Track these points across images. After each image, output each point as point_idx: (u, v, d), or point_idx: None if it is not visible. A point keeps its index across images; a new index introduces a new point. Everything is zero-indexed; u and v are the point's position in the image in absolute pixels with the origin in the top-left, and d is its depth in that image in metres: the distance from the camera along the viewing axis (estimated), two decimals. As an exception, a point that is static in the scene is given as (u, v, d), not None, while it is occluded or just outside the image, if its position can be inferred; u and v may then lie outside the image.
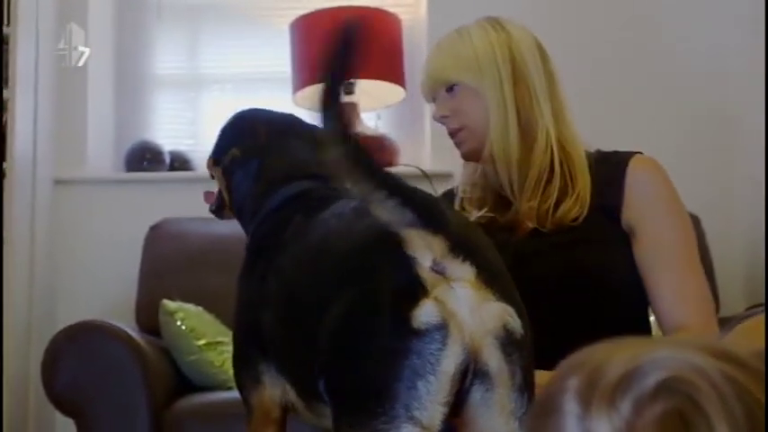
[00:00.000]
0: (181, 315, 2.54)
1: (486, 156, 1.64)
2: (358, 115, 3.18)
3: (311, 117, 1.73)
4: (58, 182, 3.15)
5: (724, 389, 0.61)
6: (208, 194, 1.76)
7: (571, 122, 1.67)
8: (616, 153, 1.67)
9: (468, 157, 1.69)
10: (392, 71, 3.13)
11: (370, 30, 3.10)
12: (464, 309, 1.08)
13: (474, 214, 1.68)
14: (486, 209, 1.68)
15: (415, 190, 1.15)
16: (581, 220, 1.58)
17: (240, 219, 1.65)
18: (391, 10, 3.21)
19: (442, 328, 1.07)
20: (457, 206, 1.73)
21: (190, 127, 3.48)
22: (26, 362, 2.84)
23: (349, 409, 1.12)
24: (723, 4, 3.16)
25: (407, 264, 1.10)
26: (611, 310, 1.56)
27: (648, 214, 1.57)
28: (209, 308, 2.62)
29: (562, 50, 1.74)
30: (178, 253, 2.86)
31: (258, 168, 1.60)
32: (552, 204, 1.59)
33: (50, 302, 3.06)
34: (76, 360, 2.21)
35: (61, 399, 2.21)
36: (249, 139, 1.63)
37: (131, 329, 2.40)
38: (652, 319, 1.65)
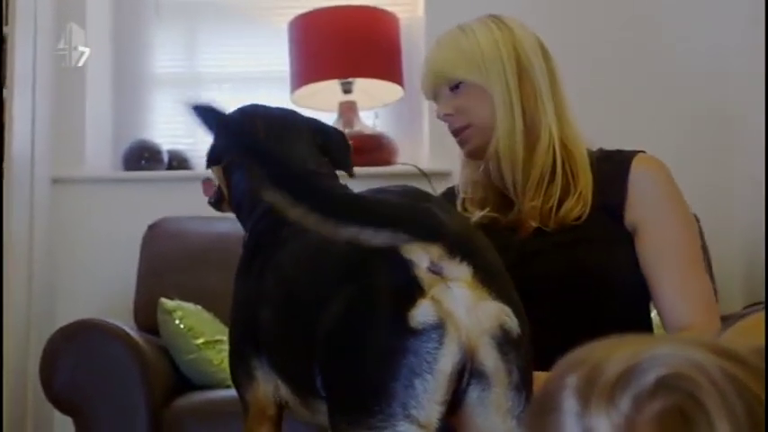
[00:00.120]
0: (179, 314, 2.54)
1: (492, 154, 1.63)
2: (356, 114, 3.19)
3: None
4: (56, 181, 3.15)
5: (724, 386, 0.61)
6: (206, 185, 1.76)
7: (573, 121, 1.66)
8: (619, 152, 1.66)
9: (473, 155, 1.68)
10: (390, 70, 3.13)
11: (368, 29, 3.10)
12: (461, 308, 1.09)
13: (476, 214, 1.67)
14: (488, 209, 1.67)
15: (404, 208, 1.17)
16: (584, 219, 1.58)
17: (238, 215, 1.65)
18: (389, 9, 3.21)
19: (439, 327, 1.07)
20: (459, 206, 1.72)
21: (188, 126, 3.47)
22: (24, 361, 2.83)
23: (346, 407, 1.12)
24: (723, 4, 3.16)
25: (404, 264, 1.10)
26: (613, 309, 1.56)
27: (651, 213, 1.57)
28: (208, 306, 2.61)
29: (561, 50, 1.74)
30: (176, 252, 2.86)
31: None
32: (555, 204, 1.59)
33: (49, 301, 3.06)
34: (75, 359, 2.21)
35: (60, 397, 2.20)
36: (249, 137, 1.63)
37: (130, 328, 2.39)
38: (653, 314, 1.65)
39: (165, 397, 2.29)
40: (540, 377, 1.16)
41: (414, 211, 1.17)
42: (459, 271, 1.10)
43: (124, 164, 3.27)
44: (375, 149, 3.11)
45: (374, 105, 3.29)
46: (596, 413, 0.62)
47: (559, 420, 0.64)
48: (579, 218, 1.58)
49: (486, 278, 1.12)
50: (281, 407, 1.43)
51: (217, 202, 1.73)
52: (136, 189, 3.21)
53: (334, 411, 1.15)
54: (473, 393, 1.11)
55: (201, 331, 2.52)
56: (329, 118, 3.15)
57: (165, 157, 3.27)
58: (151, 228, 2.94)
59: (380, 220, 1.11)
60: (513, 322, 1.12)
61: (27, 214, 2.94)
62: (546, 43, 1.69)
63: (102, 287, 3.08)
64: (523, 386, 1.13)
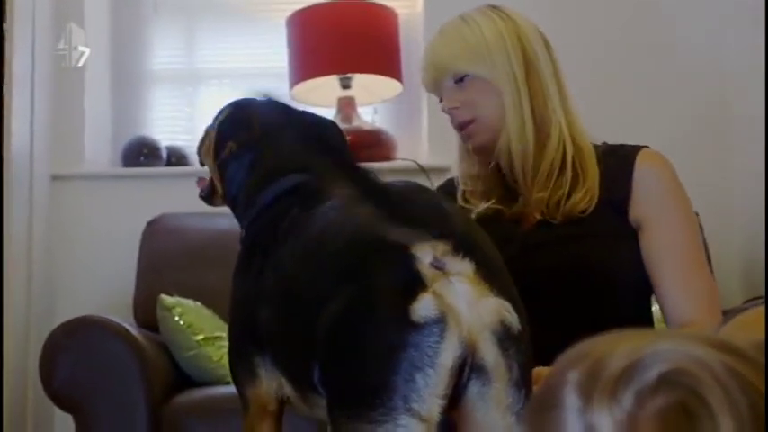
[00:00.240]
0: (179, 310, 2.54)
1: (502, 149, 1.61)
2: (355, 110, 3.18)
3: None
4: (56, 178, 3.14)
5: (726, 381, 0.61)
6: (201, 180, 1.75)
7: (577, 114, 1.65)
8: (623, 146, 1.65)
9: (479, 150, 1.66)
10: (389, 66, 3.13)
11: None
12: (462, 303, 1.09)
13: (480, 206, 1.65)
14: (492, 201, 1.65)
15: (417, 204, 1.19)
16: (589, 212, 1.57)
17: (234, 210, 1.64)
18: (388, 4, 3.21)
19: (441, 321, 1.07)
20: (459, 198, 1.71)
21: (187, 122, 3.47)
22: (24, 357, 2.83)
23: (347, 401, 1.12)
24: (723, 3, 3.16)
25: (407, 258, 1.10)
26: (614, 304, 1.55)
27: (656, 210, 1.57)
28: (208, 303, 2.61)
29: (560, 47, 1.72)
30: (176, 248, 2.86)
31: (252, 161, 1.59)
32: (565, 195, 1.58)
33: (48, 298, 3.06)
34: (75, 356, 2.21)
35: (59, 394, 2.21)
36: (245, 132, 1.62)
37: (129, 325, 2.39)
38: (655, 307, 1.65)
39: (165, 393, 2.30)
40: (541, 372, 1.16)
41: (425, 210, 1.18)
42: (462, 266, 1.10)
43: (123, 160, 3.26)
44: (374, 145, 3.11)
45: (373, 101, 3.29)
46: (598, 409, 0.62)
47: (561, 416, 0.64)
48: (585, 211, 1.57)
49: (488, 274, 1.12)
50: (282, 402, 1.43)
51: (208, 196, 1.72)
52: (135, 186, 3.20)
53: (333, 406, 1.15)
54: (473, 388, 1.11)
55: (201, 328, 2.52)
56: (328, 114, 3.14)
57: (164, 154, 3.27)
58: (150, 224, 2.94)
59: (402, 217, 1.13)
60: (513, 318, 1.12)
61: (26, 211, 2.94)
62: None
63: (101, 284, 3.08)
64: (523, 383, 1.13)
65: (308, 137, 1.63)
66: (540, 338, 1.15)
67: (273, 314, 1.36)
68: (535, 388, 1.14)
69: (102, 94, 3.37)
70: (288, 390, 1.39)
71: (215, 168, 1.67)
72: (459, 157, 1.73)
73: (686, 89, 3.18)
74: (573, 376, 0.65)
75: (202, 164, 1.73)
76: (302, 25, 3.12)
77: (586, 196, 1.57)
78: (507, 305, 1.12)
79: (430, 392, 1.07)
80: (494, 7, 1.67)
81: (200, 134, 1.74)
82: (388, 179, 1.38)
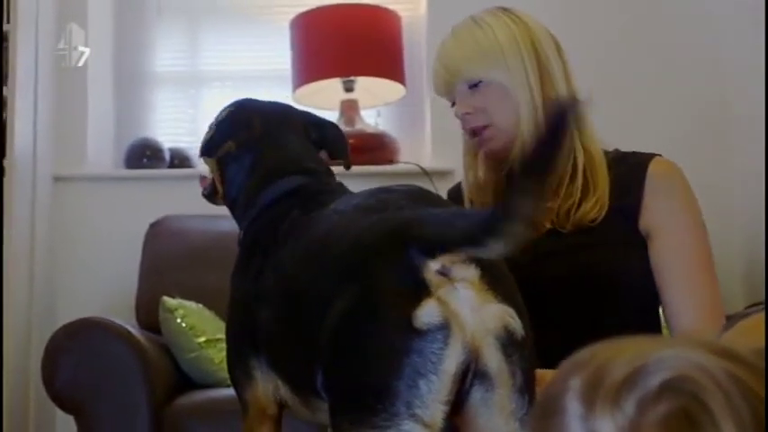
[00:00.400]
0: (181, 312, 2.54)
1: (517, 157, 1.59)
2: (358, 112, 3.18)
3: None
4: (58, 179, 3.15)
5: (728, 387, 0.61)
6: (203, 178, 1.75)
7: (588, 118, 1.63)
8: (635, 154, 1.64)
9: (493, 156, 1.65)
10: (392, 69, 3.13)
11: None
12: (466, 309, 1.08)
13: None
14: None
15: (421, 208, 1.21)
16: (599, 221, 1.56)
17: (233, 212, 1.64)
18: (391, 7, 3.21)
19: (444, 327, 1.07)
20: (467, 204, 1.69)
21: (190, 124, 3.48)
22: (26, 359, 2.84)
23: (349, 406, 1.12)
24: (724, 3, 3.15)
25: (413, 264, 1.10)
26: (624, 313, 1.55)
27: (666, 219, 1.56)
28: (210, 305, 2.61)
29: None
30: (178, 250, 2.86)
31: (252, 162, 1.59)
32: (575, 204, 1.57)
33: (50, 299, 3.06)
34: (76, 357, 2.21)
35: (61, 396, 2.20)
36: (244, 132, 1.62)
37: (131, 326, 2.39)
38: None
39: (167, 395, 2.29)
40: (544, 375, 1.16)
41: (437, 214, 1.18)
42: (467, 272, 1.10)
43: (126, 162, 3.26)
44: (377, 148, 3.11)
45: (376, 104, 3.29)
46: (601, 416, 0.62)
47: (563, 423, 0.64)
48: (594, 220, 1.56)
49: (493, 281, 1.11)
50: (282, 406, 1.42)
51: (210, 195, 1.72)
52: (137, 187, 3.20)
53: (336, 411, 1.14)
54: (477, 394, 1.10)
55: (203, 330, 2.52)
56: (331, 116, 3.14)
57: (167, 156, 3.27)
58: (153, 226, 2.95)
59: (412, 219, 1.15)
60: (517, 324, 1.12)
61: (29, 212, 2.94)
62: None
63: (103, 285, 3.08)
64: (527, 389, 1.12)
65: (309, 138, 1.63)
66: (549, 346, 1.15)
67: (273, 316, 1.36)
68: (538, 390, 1.14)
69: (105, 95, 3.38)
70: (284, 392, 1.38)
71: (216, 168, 1.66)
72: (466, 166, 1.71)
73: (686, 89, 3.18)
74: (575, 383, 0.65)
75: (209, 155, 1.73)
76: (305, 28, 3.13)
77: (596, 205, 1.56)
78: (511, 311, 1.12)
79: (433, 398, 1.06)
80: (504, 9, 1.65)
81: (203, 136, 1.74)
82: (390, 183, 1.38)
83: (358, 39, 3.08)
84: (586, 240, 1.56)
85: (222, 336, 2.47)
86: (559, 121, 0.96)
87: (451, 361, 1.07)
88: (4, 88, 2.86)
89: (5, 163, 2.82)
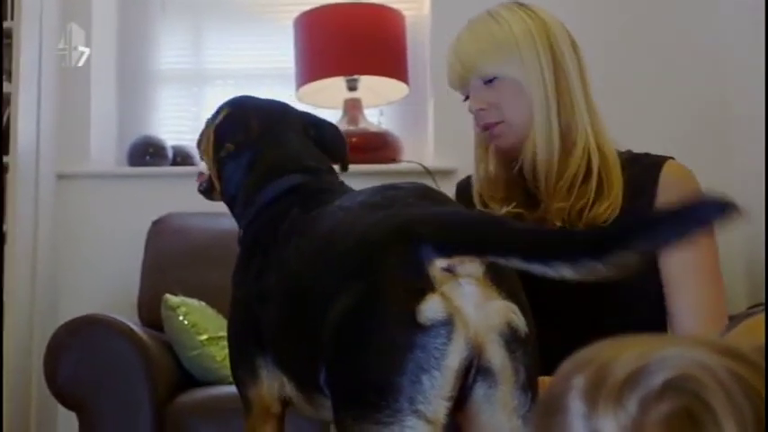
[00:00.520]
0: (183, 310, 2.54)
1: (527, 156, 1.59)
2: (361, 111, 3.18)
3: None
4: (61, 176, 3.15)
5: (730, 386, 0.61)
6: (200, 174, 1.75)
7: (602, 118, 1.62)
8: (648, 155, 1.64)
9: (504, 153, 1.64)
10: (395, 68, 3.13)
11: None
12: (469, 305, 1.08)
13: (500, 210, 1.63)
14: (512, 205, 1.62)
15: (426, 205, 1.21)
16: (609, 222, 1.55)
17: (232, 210, 1.64)
18: (395, 6, 3.21)
19: (448, 323, 1.07)
20: (476, 201, 1.69)
21: (193, 122, 3.47)
22: (28, 356, 2.84)
23: (352, 402, 1.12)
24: (723, 3, 3.15)
25: (417, 260, 1.10)
26: (631, 314, 1.55)
27: None
28: (212, 303, 2.61)
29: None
30: (181, 248, 2.86)
31: (251, 160, 1.59)
32: (587, 205, 1.56)
33: (53, 296, 3.06)
34: (78, 354, 2.21)
35: (63, 392, 2.21)
36: (242, 133, 1.62)
37: (134, 324, 2.39)
38: None
39: (169, 393, 2.30)
40: (544, 382, 1.16)
41: (442, 211, 1.18)
42: (472, 268, 1.10)
43: (129, 160, 3.27)
44: (380, 147, 3.11)
45: (379, 103, 3.29)
46: (603, 415, 0.62)
47: (566, 422, 0.64)
48: (606, 221, 1.55)
49: (497, 277, 1.11)
50: (285, 404, 1.43)
51: (207, 191, 1.72)
52: (140, 185, 3.21)
53: (339, 407, 1.14)
54: (479, 390, 1.10)
55: (205, 327, 2.52)
56: (334, 115, 3.15)
57: (170, 153, 3.27)
58: (155, 223, 2.95)
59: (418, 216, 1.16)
60: (520, 321, 1.12)
61: (32, 210, 2.94)
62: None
63: (106, 283, 3.09)
64: (530, 386, 1.12)
65: (307, 136, 1.63)
66: (549, 346, 1.15)
67: (277, 314, 1.36)
68: (541, 393, 1.13)
69: (108, 93, 3.38)
70: (289, 390, 1.38)
71: (213, 166, 1.66)
72: (477, 158, 1.70)
73: (686, 89, 3.17)
74: (578, 382, 0.65)
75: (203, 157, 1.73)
76: (309, 26, 3.13)
77: (609, 208, 1.55)
78: (515, 308, 1.12)
79: (436, 394, 1.06)
80: (520, 4, 1.64)
81: (200, 133, 1.74)
82: (393, 181, 1.38)
83: (361, 38, 3.08)
84: None
85: (224, 334, 2.47)
86: (700, 217, 0.90)
87: (454, 357, 1.07)
88: (9, 85, 2.86)
89: (9, 160, 2.82)
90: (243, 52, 3.48)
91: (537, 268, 1.02)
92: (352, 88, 3.16)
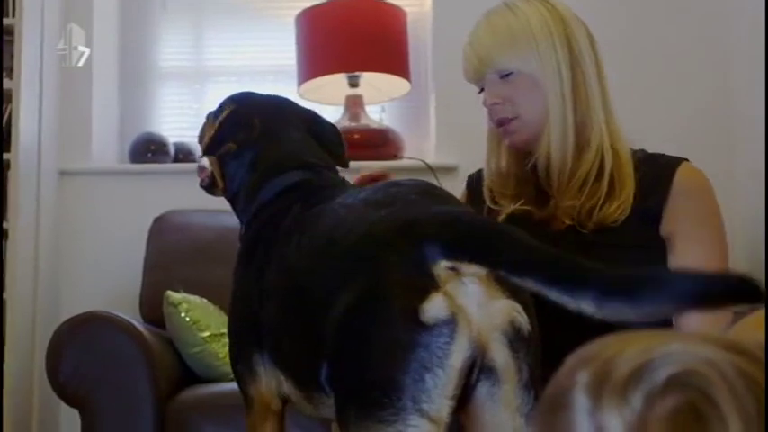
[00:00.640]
0: (185, 306, 2.54)
1: (542, 153, 1.58)
2: (362, 108, 3.18)
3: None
4: (63, 173, 3.15)
5: (735, 381, 0.61)
6: (202, 169, 1.75)
7: (617, 115, 1.61)
8: (663, 156, 1.63)
9: (517, 148, 1.63)
10: (397, 64, 3.13)
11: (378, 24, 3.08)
12: (473, 303, 1.08)
13: (509, 207, 1.62)
14: (522, 201, 1.62)
15: (429, 203, 1.21)
16: (620, 222, 1.54)
17: (234, 206, 1.64)
18: (396, 3, 3.20)
19: (451, 322, 1.07)
20: (486, 197, 1.68)
21: (194, 119, 3.46)
22: (30, 352, 2.84)
23: (355, 400, 1.12)
24: (724, 3, 3.15)
25: (421, 258, 1.10)
26: None
27: (688, 227, 1.55)
28: (214, 299, 2.61)
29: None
30: (182, 244, 2.87)
31: (253, 158, 1.59)
32: (598, 204, 1.55)
33: (55, 293, 3.06)
34: (80, 351, 2.21)
35: (65, 389, 2.21)
36: (245, 131, 1.62)
37: (135, 321, 2.39)
38: None
39: (171, 390, 2.30)
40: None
41: (445, 209, 1.18)
42: (476, 267, 1.10)
43: (131, 156, 3.27)
44: (381, 144, 3.11)
45: (381, 100, 3.29)
46: (608, 410, 0.62)
47: (570, 417, 0.64)
48: (616, 221, 1.54)
49: (500, 276, 1.11)
50: (285, 401, 1.43)
51: (209, 187, 1.72)
52: (142, 182, 3.21)
53: (342, 405, 1.14)
54: (482, 389, 1.11)
55: (207, 324, 2.52)
56: (336, 112, 3.15)
57: (172, 150, 3.27)
58: (157, 220, 2.95)
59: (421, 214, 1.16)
60: (524, 319, 1.12)
61: (33, 206, 2.94)
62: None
63: (108, 279, 3.09)
64: (532, 384, 1.12)
65: (309, 133, 1.63)
66: (554, 344, 1.14)
67: (277, 311, 1.35)
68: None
69: (110, 90, 3.38)
70: (287, 388, 1.38)
71: (216, 163, 1.66)
72: (489, 152, 1.69)
73: (687, 89, 3.17)
74: (582, 377, 0.65)
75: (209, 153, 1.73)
76: (311, 23, 3.12)
77: (620, 208, 1.54)
78: (518, 306, 1.12)
79: (439, 393, 1.07)
80: None
81: (200, 129, 1.73)
82: (395, 178, 1.38)
83: (363, 34, 3.08)
84: (603, 240, 1.54)
85: (226, 330, 2.47)
86: (740, 295, 0.90)
87: (458, 355, 1.07)
88: (10, 82, 2.86)
89: (11, 157, 2.82)
90: (244, 49, 3.48)
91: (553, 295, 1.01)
92: (353, 85, 3.16)
